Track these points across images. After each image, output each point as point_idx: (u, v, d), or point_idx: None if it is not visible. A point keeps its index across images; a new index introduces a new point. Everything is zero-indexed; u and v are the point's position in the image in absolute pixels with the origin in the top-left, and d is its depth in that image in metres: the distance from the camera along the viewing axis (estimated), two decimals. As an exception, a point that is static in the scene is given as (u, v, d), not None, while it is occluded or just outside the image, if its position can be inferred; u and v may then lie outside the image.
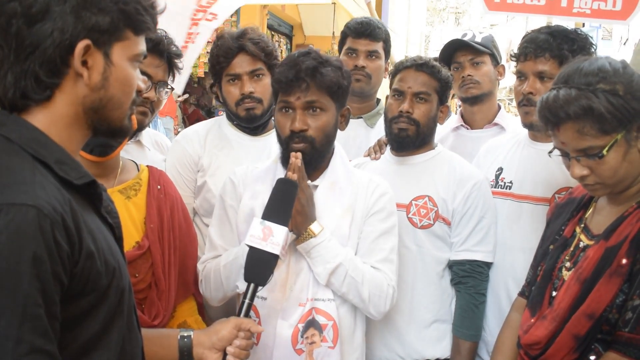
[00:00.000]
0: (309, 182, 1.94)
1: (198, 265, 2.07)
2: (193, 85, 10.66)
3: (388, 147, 2.41)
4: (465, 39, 2.87)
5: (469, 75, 2.83)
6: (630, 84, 1.54)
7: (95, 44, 1.16)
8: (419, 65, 2.26)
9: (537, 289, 1.78)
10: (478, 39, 2.87)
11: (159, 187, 2.05)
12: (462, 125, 2.94)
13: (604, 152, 1.53)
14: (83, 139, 1.25)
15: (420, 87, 2.25)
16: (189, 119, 10.44)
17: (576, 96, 1.52)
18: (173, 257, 2.01)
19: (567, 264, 1.70)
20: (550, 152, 1.67)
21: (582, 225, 1.74)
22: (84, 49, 1.14)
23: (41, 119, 1.17)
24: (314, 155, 1.95)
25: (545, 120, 1.59)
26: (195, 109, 11.68)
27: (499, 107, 2.93)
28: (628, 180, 1.58)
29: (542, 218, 2.04)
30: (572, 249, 1.72)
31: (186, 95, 9.79)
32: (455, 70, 2.89)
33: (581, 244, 1.69)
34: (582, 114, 1.51)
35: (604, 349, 1.54)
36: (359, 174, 2.09)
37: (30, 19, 1.12)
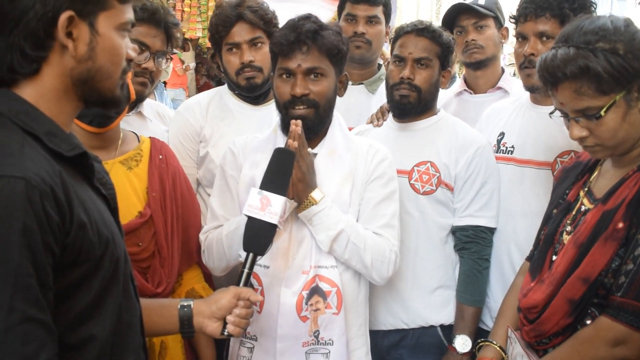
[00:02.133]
0: (308, 149, 1.94)
1: (200, 236, 2.09)
2: (203, 56, 10.63)
3: (390, 114, 2.40)
4: (468, 1, 2.83)
5: (472, 39, 2.79)
6: (631, 42, 1.50)
7: (79, 14, 1.15)
8: (420, 30, 2.24)
9: (538, 253, 1.78)
10: (481, 2, 2.81)
11: (160, 157, 2.07)
12: (465, 90, 2.91)
13: (602, 112, 1.51)
14: (75, 111, 1.26)
15: (421, 53, 2.23)
16: (200, 91, 10.45)
17: (574, 55, 1.50)
18: (176, 226, 2.04)
19: (568, 228, 1.69)
20: (551, 113, 1.65)
21: (586, 189, 1.72)
22: (67, 20, 1.14)
23: (30, 92, 1.17)
24: (317, 120, 1.95)
25: (544, 80, 1.58)
26: (206, 80, 11.67)
27: (503, 71, 2.89)
28: (629, 142, 1.56)
29: (544, 182, 2.03)
30: (574, 212, 1.71)
31: (191, 64, 9.76)
32: (458, 35, 2.86)
33: (583, 208, 1.68)
34: (579, 74, 1.49)
35: (600, 313, 1.54)
36: (358, 141, 2.09)
37: None
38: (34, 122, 1.15)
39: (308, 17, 1.95)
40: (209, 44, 8.82)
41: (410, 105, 2.24)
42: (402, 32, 2.28)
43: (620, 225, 1.51)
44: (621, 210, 1.52)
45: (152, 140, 2.11)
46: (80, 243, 1.12)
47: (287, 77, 1.94)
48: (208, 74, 11.78)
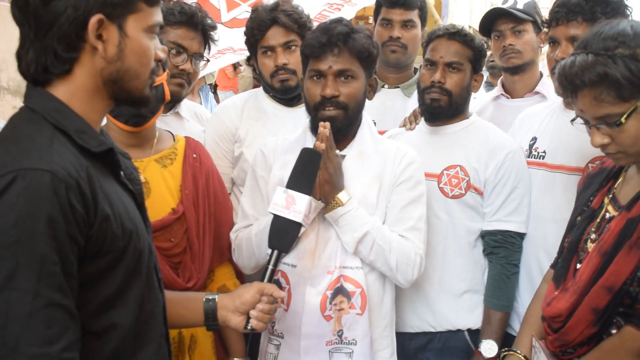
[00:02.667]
0: (337, 151, 1.97)
1: (231, 234, 2.15)
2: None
3: (422, 117, 2.42)
4: (506, 5, 2.83)
5: (510, 44, 2.80)
6: None
7: (108, 17, 1.22)
8: (452, 34, 2.26)
9: (562, 261, 1.77)
10: (520, 6, 2.81)
11: (194, 156, 2.13)
12: (502, 94, 2.92)
13: (622, 119, 1.50)
14: (105, 109, 1.32)
15: (452, 57, 2.25)
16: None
17: (592, 62, 1.49)
18: (208, 223, 2.10)
19: (593, 236, 1.68)
20: (573, 120, 1.65)
21: (611, 196, 1.71)
22: (98, 23, 1.20)
23: (63, 91, 1.24)
24: (346, 122, 1.99)
25: (563, 87, 1.58)
26: (256, 83, 11.80)
27: (541, 75, 2.88)
28: None
29: (575, 188, 2.01)
30: (598, 220, 1.70)
31: (242, 67, 9.84)
32: (496, 39, 2.88)
33: (607, 215, 1.67)
34: (597, 81, 1.49)
35: (625, 322, 1.53)
36: (386, 143, 2.12)
37: None
38: (65, 120, 1.22)
39: (340, 21, 1.99)
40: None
41: (441, 109, 2.27)
42: (434, 36, 2.30)
43: None
44: None
45: (187, 139, 2.18)
46: (104, 235, 1.19)
47: (318, 79, 1.98)
48: (258, 77, 11.89)
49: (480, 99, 2.99)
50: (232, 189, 2.59)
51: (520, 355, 1.87)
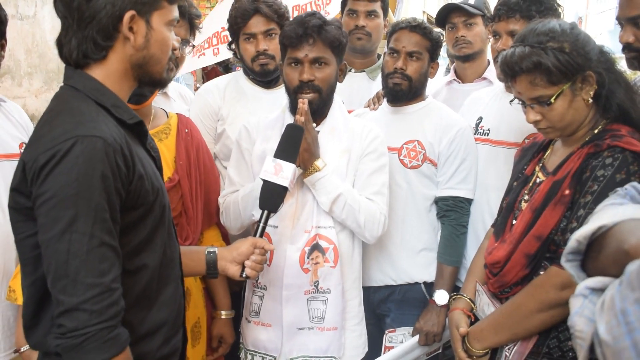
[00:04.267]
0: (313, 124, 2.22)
1: (219, 199, 2.40)
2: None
3: (385, 99, 2.69)
4: (459, 1, 3.09)
5: (462, 35, 3.06)
6: (575, 42, 1.78)
7: (139, 13, 1.44)
8: (413, 27, 2.52)
9: (501, 219, 2.05)
10: (471, 1, 3.08)
11: (186, 130, 2.36)
12: (454, 79, 3.19)
13: (552, 100, 1.78)
14: (130, 89, 1.55)
15: (413, 47, 2.50)
16: (207, 76, 10.60)
17: (528, 53, 1.76)
18: (199, 190, 2.34)
19: (526, 197, 1.95)
20: (512, 101, 1.93)
21: (541, 165, 1.99)
22: (130, 17, 1.43)
23: (99, 73, 1.46)
24: (321, 103, 2.24)
25: (504, 74, 1.85)
26: (214, 66, 11.82)
27: (489, 63, 3.15)
28: (574, 124, 1.84)
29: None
30: (530, 184, 1.97)
31: (208, 63, 9.88)
32: (449, 30, 3.13)
33: (537, 180, 1.95)
34: (532, 68, 1.76)
35: (551, 264, 1.78)
36: (354, 121, 2.39)
37: None
38: (103, 96, 1.45)
39: (314, 14, 2.25)
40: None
41: (402, 92, 2.53)
42: (397, 28, 2.56)
43: (567, 192, 1.77)
44: (567, 180, 1.78)
45: (179, 116, 2.42)
46: (139, 190, 1.42)
47: (295, 65, 2.23)
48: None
49: (436, 83, 3.24)
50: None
51: (466, 298, 2.12)
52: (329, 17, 2.30)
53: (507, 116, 2.46)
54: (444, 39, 3.13)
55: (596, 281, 1.09)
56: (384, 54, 2.67)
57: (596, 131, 1.84)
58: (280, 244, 2.24)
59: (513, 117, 2.39)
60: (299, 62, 2.22)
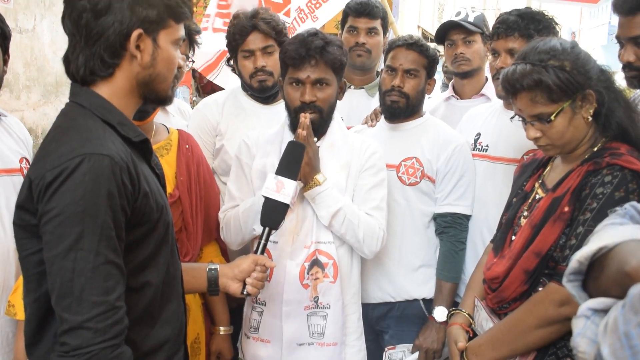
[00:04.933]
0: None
1: (219, 214, 2.40)
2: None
3: (382, 116, 2.71)
4: (459, 18, 3.12)
5: (461, 52, 3.08)
6: (576, 61, 1.81)
7: (146, 32, 1.45)
8: (410, 45, 2.54)
9: (500, 234, 2.06)
10: (470, 19, 3.11)
11: (187, 146, 2.37)
12: (452, 95, 3.21)
13: (552, 117, 1.80)
14: (136, 106, 1.56)
15: (410, 65, 2.53)
16: (203, 89, 10.60)
17: (530, 71, 1.79)
18: (199, 206, 2.35)
19: (525, 213, 1.96)
20: (512, 117, 1.95)
21: (540, 181, 2.00)
22: (138, 36, 1.44)
23: (105, 90, 1.47)
24: (321, 122, 2.26)
25: (505, 91, 1.87)
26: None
27: (486, 79, 3.18)
28: (574, 142, 1.86)
29: (513, 176, 2.33)
30: (530, 200, 1.99)
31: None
32: (448, 47, 3.16)
33: (537, 197, 1.96)
34: (533, 86, 1.78)
35: (549, 280, 1.79)
36: (353, 137, 2.40)
37: (96, 13, 1.41)
38: (109, 114, 1.46)
39: (316, 34, 2.26)
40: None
41: (400, 109, 2.55)
42: (394, 45, 2.58)
43: (566, 209, 1.79)
44: (567, 197, 1.80)
45: (180, 132, 2.43)
46: (144, 208, 1.43)
47: (297, 86, 2.25)
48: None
49: (434, 99, 3.27)
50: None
51: (464, 313, 2.13)
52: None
53: (506, 132, 2.48)
54: (442, 54, 3.16)
55: (598, 302, 1.10)
56: (382, 70, 2.69)
57: (595, 149, 1.86)
58: (280, 260, 2.24)
59: (511, 133, 2.41)
60: (300, 83, 2.24)
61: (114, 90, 1.48)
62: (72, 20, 1.44)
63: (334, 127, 2.35)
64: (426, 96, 2.66)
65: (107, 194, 1.32)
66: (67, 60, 1.49)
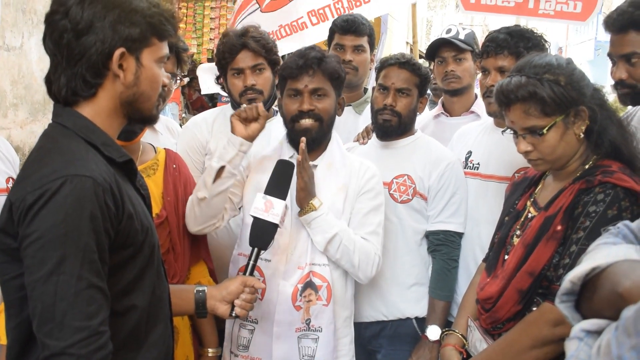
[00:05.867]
0: (310, 162, 2.21)
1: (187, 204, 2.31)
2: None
3: (374, 134, 2.69)
4: (449, 35, 3.11)
5: (451, 70, 3.07)
6: (571, 76, 1.81)
7: (128, 50, 1.43)
8: (402, 64, 2.54)
9: (493, 254, 2.05)
10: (461, 36, 3.10)
11: (174, 166, 2.34)
12: (442, 113, 3.20)
13: (545, 130, 1.80)
14: (120, 126, 1.53)
15: (402, 84, 2.52)
16: (192, 105, 10.61)
17: (525, 82, 1.80)
18: (186, 227, 2.31)
19: (518, 232, 1.96)
20: (504, 130, 1.96)
21: (532, 200, 2.00)
22: (120, 55, 1.42)
23: (88, 110, 1.45)
24: (321, 132, 2.24)
25: (499, 102, 1.87)
26: (199, 95, 11.87)
27: (476, 97, 3.18)
28: (565, 158, 1.86)
29: (504, 194, 2.32)
30: (522, 219, 1.98)
31: (185, 80, 9.96)
32: (439, 64, 3.15)
33: (529, 215, 1.96)
34: (528, 97, 1.79)
35: (543, 300, 1.79)
36: (351, 158, 2.38)
37: (77, 33, 1.39)
38: (92, 135, 1.43)
39: (313, 48, 2.27)
40: (203, 60, 8.93)
41: (392, 128, 2.54)
42: (386, 64, 2.57)
43: (559, 227, 1.79)
44: (559, 216, 1.80)
45: (167, 151, 2.40)
46: (128, 230, 1.40)
47: (295, 96, 2.24)
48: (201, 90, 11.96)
49: (424, 116, 3.26)
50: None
51: (457, 334, 2.12)
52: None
53: (497, 150, 2.48)
54: (432, 73, 3.15)
55: (591, 324, 1.09)
56: (372, 89, 2.68)
57: (587, 166, 1.86)
58: (273, 279, 2.22)
59: (502, 151, 2.41)
60: (298, 93, 2.23)
61: (97, 111, 1.46)
62: (53, 40, 1.42)
63: (333, 147, 2.34)
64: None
65: (89, 216, 1.30)
66: (49, 80, 1.47)
